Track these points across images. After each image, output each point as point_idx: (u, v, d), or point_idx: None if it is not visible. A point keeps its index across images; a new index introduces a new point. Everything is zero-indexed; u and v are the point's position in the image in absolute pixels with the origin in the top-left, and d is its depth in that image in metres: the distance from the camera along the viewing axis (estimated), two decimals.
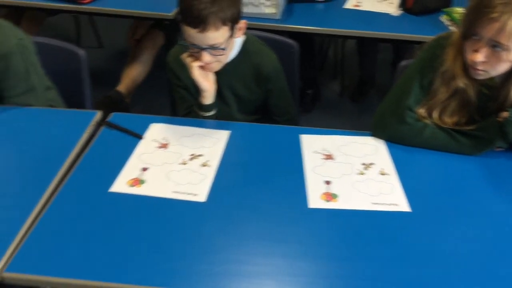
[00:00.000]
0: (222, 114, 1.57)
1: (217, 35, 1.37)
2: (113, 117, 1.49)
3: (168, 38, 2.90)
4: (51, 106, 1.58)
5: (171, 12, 2.21)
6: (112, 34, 3.67)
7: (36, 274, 0.99)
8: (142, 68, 2.79)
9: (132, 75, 2.76)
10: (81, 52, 1.71)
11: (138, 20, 2.72)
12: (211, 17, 1.34)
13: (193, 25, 1.35)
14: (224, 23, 1.37)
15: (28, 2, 2.26)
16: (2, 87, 1.48)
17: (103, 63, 3.45)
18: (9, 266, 1.00)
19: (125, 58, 2.91)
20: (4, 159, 1.30)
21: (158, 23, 2.83)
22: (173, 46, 1.63)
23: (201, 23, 1.34)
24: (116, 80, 2.72)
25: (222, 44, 1.40)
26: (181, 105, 1.64)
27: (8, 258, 1.01)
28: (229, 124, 1.48)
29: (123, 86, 2.72)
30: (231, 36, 1.42)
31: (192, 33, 1.37)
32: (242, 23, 1.46)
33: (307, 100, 2.99)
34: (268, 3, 2.14)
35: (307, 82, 2.96)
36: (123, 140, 1.39)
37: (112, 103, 2.58)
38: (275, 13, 2.16)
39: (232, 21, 1.39)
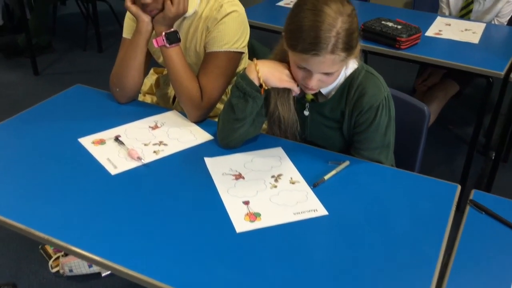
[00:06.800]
0: None
1: None
2: (474, 194, 1.30)
3: (462, 90, 2.67)
4: (392, 165, 1.46)
5: (503, 71, 1.96)
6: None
7: None
8: None
9: None
10: (426, 108, 1.57)
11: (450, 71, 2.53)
12: None
13: None
14: None
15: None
16: (359, 138, 1.40)
17: None
18: None
19: None
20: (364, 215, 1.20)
21: (451, 73, 2.61)
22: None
23: None
24: None
25: None
26: None
27: None
28: None
29: None
30: None
31: None
32: None
33: None
34: None
35: None
36: (496, 227, 1.19)
37: None
38: None
39: None
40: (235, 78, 1.36)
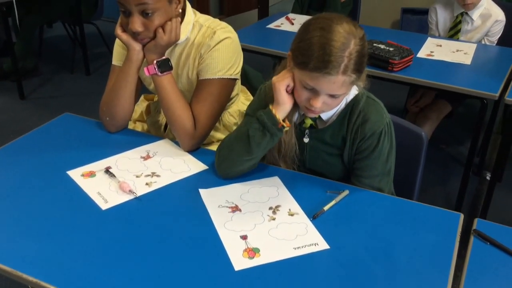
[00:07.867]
0: None
1: None
2: (478, 224, 1.27)
3: (454, 111, 2.67)
4: (392, 194, 1.43)
5: (497, 93, 1.95)
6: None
7: None
8: None
9: None
10: (424, 134, 1.54)
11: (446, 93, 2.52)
12: None
13: None
14: None
15: None
16: (361, 165, 1.37)
17: None
18: None
19: None
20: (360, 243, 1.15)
21: (443, 93, 2.60)
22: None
23: None
24: None
25: None
26: None
27: None
28: None
29: None
30: None
31: None
32: None
33: None
34: None
35: None
36: (502, 258, 1.15)
37: None
38: None
39: None
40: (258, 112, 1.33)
